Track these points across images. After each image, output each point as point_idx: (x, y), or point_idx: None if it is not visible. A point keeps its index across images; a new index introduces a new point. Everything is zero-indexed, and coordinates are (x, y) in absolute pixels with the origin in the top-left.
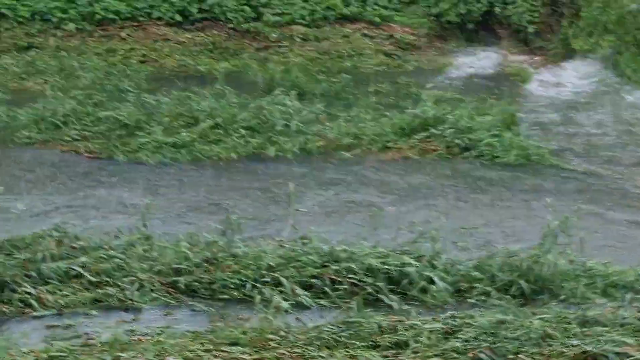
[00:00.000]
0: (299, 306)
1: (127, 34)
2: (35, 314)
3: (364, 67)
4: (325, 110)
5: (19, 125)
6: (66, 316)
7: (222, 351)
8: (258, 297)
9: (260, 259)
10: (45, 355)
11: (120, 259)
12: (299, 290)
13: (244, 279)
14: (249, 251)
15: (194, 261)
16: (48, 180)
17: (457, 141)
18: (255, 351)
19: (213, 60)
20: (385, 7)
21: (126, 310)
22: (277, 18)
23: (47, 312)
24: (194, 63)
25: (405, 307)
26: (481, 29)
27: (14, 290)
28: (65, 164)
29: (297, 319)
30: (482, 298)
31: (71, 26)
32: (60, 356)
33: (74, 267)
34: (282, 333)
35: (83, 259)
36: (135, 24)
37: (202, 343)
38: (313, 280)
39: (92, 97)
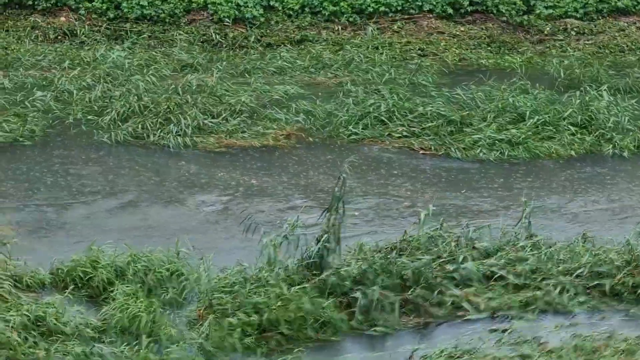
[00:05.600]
0: None
1: (399, 27)
2: (468, 317)
3: None
4: (637, 106)
5: (340, 121)
6: (499, 320)
7: None
8: None
9: None
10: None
11: (532, 262)
12: None
13: None
14: None
15: (615, 264)
16: (402, 178)
17: None
18: None
19: (492, 54)
20: None
21: (556, 313)
22: (550, 11)
23: (480, 316)
24: (475, 57)
25: None
26: None
27: (441, 293)
28: (406, 161)
29: None
30: None
31: (343, 19)
32: None
33: (494, 270)
34: None
35: (492, 261)
36: (407, 17)
37: None
38: None
39: (394, 92)
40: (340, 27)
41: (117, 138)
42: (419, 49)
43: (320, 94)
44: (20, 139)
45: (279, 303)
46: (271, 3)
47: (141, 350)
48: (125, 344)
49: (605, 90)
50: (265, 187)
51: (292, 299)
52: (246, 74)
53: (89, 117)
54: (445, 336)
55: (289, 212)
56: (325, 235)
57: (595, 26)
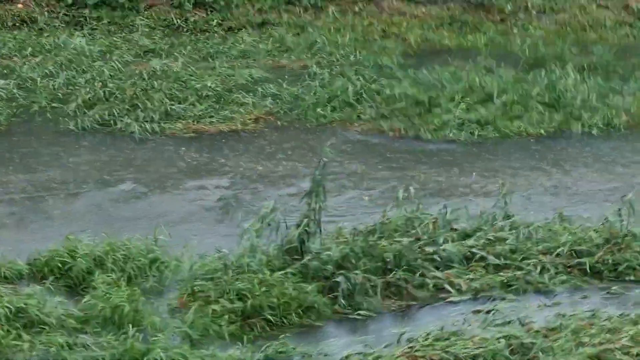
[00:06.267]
0: None
1: (360, 9)
2: (451, 299)
3: (610, 39)
4: (603, 83)
5: (307, 104)
6: (482, 301)
7: None
8: None
9: None
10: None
11: (512, 241)
12: None
13: None
14: None
15: (594, 242)
16: (399, 162)
17: None
18: None
19: (454, 35)
20: None
21: (538, 293)
22: None
23: (463, 297)
24: (438, 37)
25: None
26: None
27: (422, 275)
28: (380, 143)
29: None
30: None
31: (304, 1)
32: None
33: (474, 251)
34: None
35: (471, 242)
36: None
37: None
38: None
39: (360, 74)
40: (301, 9)
41: (83, 125)
42: (381, 30)
43: (285, 77)
44: None
45: (263, 289)
46: None
47: (128, 340)
48: (110, 333)
49: (571, 68)
50: (256, 171)
51: (275, 285)
52: (209, 59)
53: (54, 104)
54: (429, 318)
55: (289, 198)
56: (306, 220)
57: (556, 4)
